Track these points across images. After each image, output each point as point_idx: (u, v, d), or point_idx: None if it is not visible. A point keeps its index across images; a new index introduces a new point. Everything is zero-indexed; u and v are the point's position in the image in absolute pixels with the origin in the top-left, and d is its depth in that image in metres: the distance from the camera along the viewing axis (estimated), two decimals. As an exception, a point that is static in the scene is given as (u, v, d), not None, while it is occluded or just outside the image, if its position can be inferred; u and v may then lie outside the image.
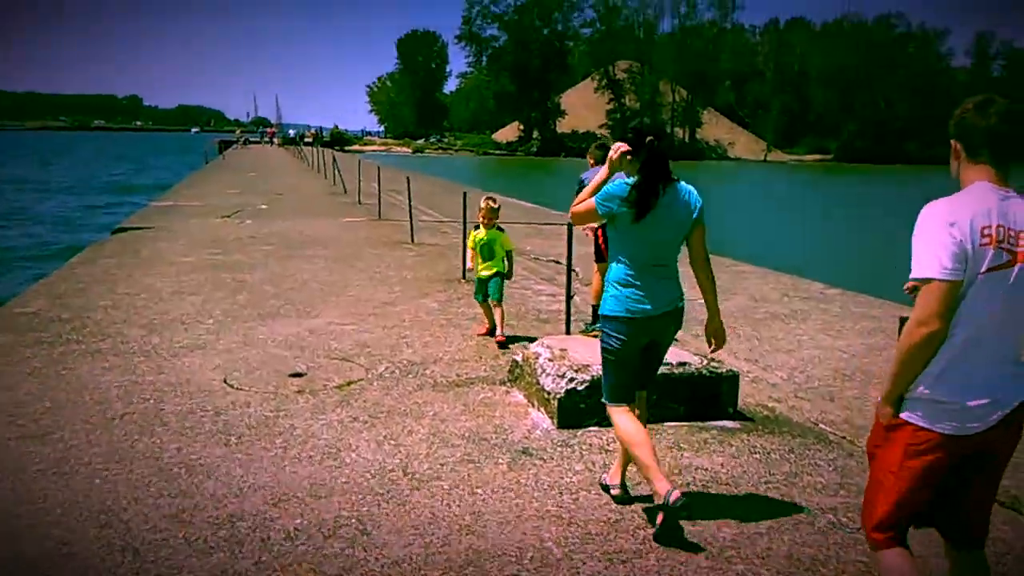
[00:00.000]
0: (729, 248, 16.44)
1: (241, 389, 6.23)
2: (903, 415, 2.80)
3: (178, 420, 5.56)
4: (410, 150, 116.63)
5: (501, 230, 7.97)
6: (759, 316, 9.35)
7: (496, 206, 7.96)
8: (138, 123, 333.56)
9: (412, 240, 14.73)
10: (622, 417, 4.05)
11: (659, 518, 3.84)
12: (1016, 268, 2.67)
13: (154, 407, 5.80)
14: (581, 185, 6.39)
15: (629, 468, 4.36)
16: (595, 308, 7.33)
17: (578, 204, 4.20)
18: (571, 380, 5.45)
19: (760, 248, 21.85)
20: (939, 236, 2.64)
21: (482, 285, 7.91)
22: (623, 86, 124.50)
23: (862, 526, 3.00)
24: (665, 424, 5.53)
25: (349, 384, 6.39)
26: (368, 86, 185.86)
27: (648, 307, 3.96)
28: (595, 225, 6.80)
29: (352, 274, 11.29)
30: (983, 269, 2.64)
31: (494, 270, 7.87)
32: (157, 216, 18.86)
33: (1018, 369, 2.79)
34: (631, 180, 3.94)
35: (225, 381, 6.43)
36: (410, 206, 15.57)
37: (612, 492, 4.39)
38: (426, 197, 22.52)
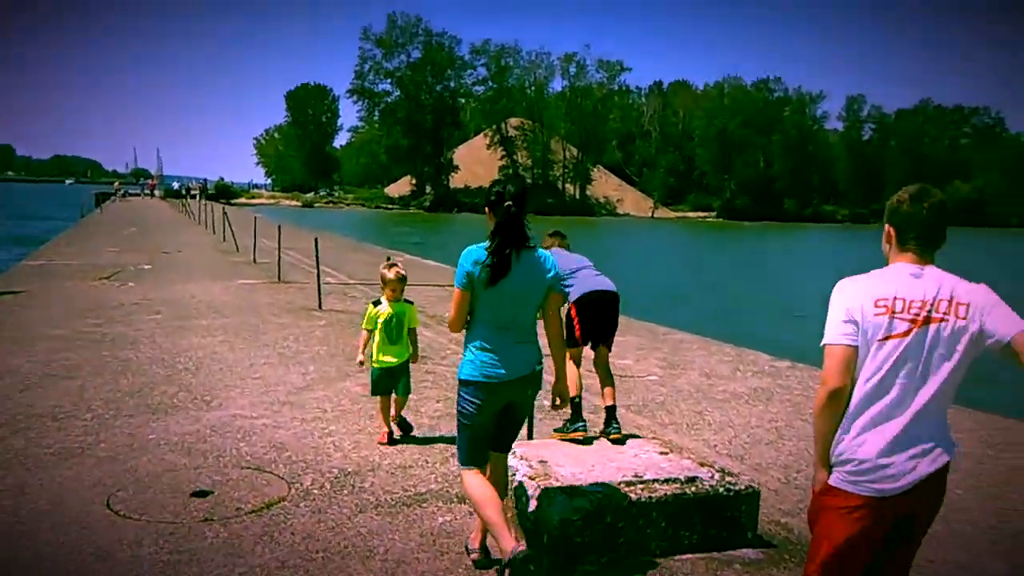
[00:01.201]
0: (648, 312, 15.73)
1: (130, 518, 4.88)
2: (831, 480, 3.03)
3: (41, 572, 4.18)
4: (300, 203, 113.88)
5: (409, 302, 6.66)
6: (720, 396, 8.47)
7: (404, 274, 6.59)
8: (10, 173, 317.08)
9: (320, 306, 13.40)
10: (473, 478, 4.09)
11: (506, 574, 3.76)
12: (912, 334, 2.92)
13: (9, 549, 4.40)
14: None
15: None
16: (575, 402, 5.65)
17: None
18: (562, 506, 4.35)
19: (669, 307, 21.35)
20: (839, 306, 3.00)
21: (388, 376, 6.42)
22: (515, 143, 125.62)
23: None
24: (676, 558, 4.49)
25: (269, 507, 5.11)
26: (255, 138, 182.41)
27: (503, 371, 3.99)
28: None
29: (256, 350, 9.91)
30: (880, 337, 2.93)
31: (405, 356, 6.51)
32: (26, 277, 16.88)
33: (929, 433, 2.95)
34: (484, 245, 4.01)
35: (109, 505, 5.06)
36: (318, 270, 14.23)
37: (472, 556, 4.35)
38: (326, 255, 21.17)
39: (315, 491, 5.39)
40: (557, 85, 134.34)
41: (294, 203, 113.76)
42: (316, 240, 14.60)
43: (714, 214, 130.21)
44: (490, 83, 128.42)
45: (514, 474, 4.73)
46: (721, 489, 4.62)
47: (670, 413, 7.65)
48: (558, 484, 4.51)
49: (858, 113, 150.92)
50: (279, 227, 19.44)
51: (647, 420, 7.36)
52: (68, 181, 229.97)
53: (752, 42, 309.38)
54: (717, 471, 4.81)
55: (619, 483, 4.53)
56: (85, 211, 52.52)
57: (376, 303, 6.61)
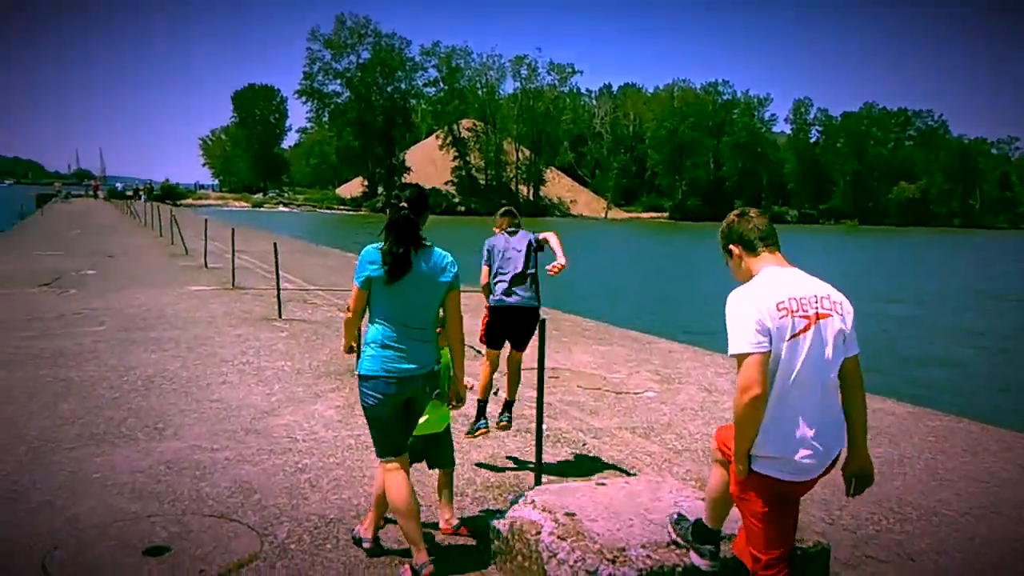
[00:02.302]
0: (619, 317, 15.09)
1: (70, 587, 4.01)
2: (754, 467, 3.25)
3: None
4: (249, 205, 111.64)
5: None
6: (727, 415, 7.76)
7: None
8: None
9: (280, 315, 12.48)
10: (394, 477, 4.20)
11: None
12: (811, 329, 3.18)
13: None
14: (489, 254, 6.07)
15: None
16: (481, 404, 6.16)
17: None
18: None
19: (646, 311, 20.76)
20: (744, 317, 3.17)
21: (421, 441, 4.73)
22: (467, 144, 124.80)
23: (750, 570, 3.39)
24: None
25: (239, 567, 4.27)
26: (201, 139, 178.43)
27: (403, 367, 4.10)
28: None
29: (213, 366, 8.99)
30: (787, 337, 3.15)
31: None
32: (-45, 285, 15.65)
33: (835, 419, 3.27)
34: (380, 245, 4.11)
35: (45, 569, 4.18)
36: (278, 277, 13.29)
37: (364, 545, 4.48)
38: (282, 259, 20.18)
39: (292, 546, 4.55)
40: (509, 87, 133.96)
41: (243, 204, 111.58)
42: (275, 245, 13.65)
43: (666, 215, 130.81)
44: (441, 84, 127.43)
45: (537, 532, 3.95)
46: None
47: (680, 437, 6.94)
48: (595, 546, 3.74)
49: (805, 116, 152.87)
50: (232, 230, 18.38)
51: (657, 446, 6.63)
52: (7, 182, 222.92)
53: (700, 46, 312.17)
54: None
55: (666, 545, 3.78)
56: (25, 213, 50.48)
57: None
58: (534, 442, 6.47)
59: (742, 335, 3.16)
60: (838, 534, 4.93)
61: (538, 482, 5.30)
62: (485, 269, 6.21)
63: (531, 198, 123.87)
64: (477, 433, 6.11)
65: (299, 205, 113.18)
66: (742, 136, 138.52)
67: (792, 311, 3.17)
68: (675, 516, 3.98)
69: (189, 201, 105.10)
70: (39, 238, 30.01)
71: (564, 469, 5.95)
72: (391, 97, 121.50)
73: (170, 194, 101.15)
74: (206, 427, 6.73)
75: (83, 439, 6.34)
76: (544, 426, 6.99)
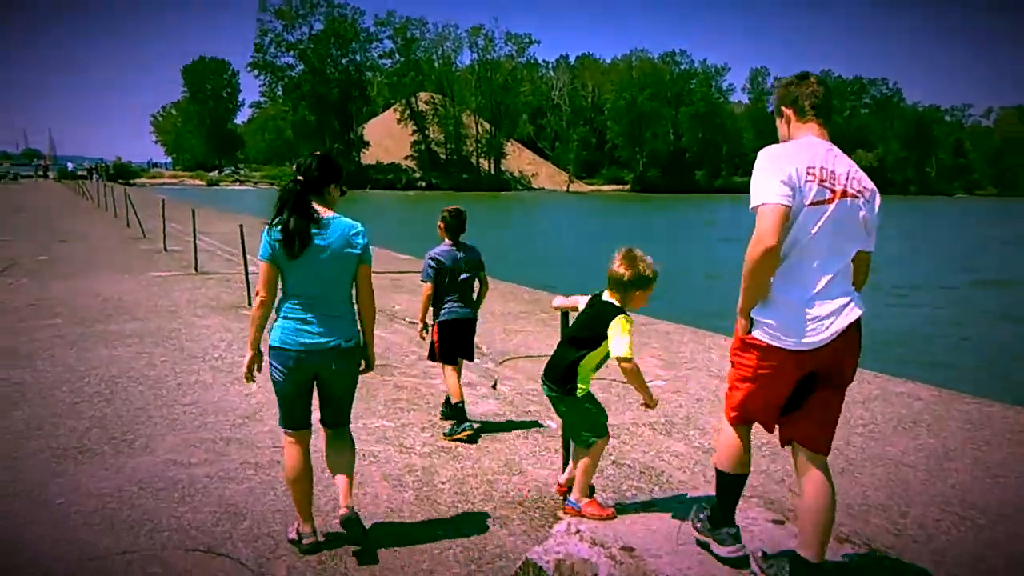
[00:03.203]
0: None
1: (33, 655, 3.33)
2: (754, 333, 3.30)
3: None
4: (204, 183, 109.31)
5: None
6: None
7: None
8: None
9: (249, 303, 11.70)
10: (290, 449, 4.24)
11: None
12: (835, 203, 3.18)
13: None
14: (437, 271, 6.14)
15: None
16: (458, 407, 6.11)
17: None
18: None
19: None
20: (772, 170, 3.17)
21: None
22: (426, 117, 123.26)
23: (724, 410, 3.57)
24: None
25: (237, 618, 3.62)
26: (152, 115, 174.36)
27: (306, 340, 4.04)
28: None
29: (183, 363, 8.25)
30: (808, 202, 3.16)
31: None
32: None
33: (845, 290, 3.27)
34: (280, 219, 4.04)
35: (-1, 629, 3.50)
36: (246, 263, 12.48)
37: (304, 542, 4.22)
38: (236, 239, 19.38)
39: (297, 586, 3.91)
40: (466, 59, 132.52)
41: (198, 182, 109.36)
42: (241, 227, 12.80)
43: (628, 187, 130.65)
44: (397, 56, 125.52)
45: (596, 572, 3.35)
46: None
47: (704, 432, 6.37)
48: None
49: (762, 85, 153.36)
50: (192, 210, 17.45)
51: (683, 445, 6.05)
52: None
53: (657, 15, 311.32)
54: (861, 545, 3.53)
55: (753, 582, 3.21)
56: (-32, 195, 48.59)
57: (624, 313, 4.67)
58: (547, 444, 5.91)
59: (767, 186, 3.15)
60: (909, 549, 4.38)
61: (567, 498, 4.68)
62: (428, 286, 6.15)
63: (492, 172, 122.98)
64: (461, 434, 5.96)
65: (256, 182, 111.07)
66: (700, 106, 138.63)
67: (820, 179, 3.15)
68: (697, 510, 3.77)
69: (143, 180, 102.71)
70: (-15, 222, 28.70)
71: (588, 477, 5.33)
72: (346, 69, 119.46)
73: (123, 173, 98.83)
74: (180, 436, 6.02)
75: (41, 455, 5.61)
76: (553, 424, 6.41)
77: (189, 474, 5.28)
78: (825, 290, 3.19)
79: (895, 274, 25.45)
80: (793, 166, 3.15)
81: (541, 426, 6.38)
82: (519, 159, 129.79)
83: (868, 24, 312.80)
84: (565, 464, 4.88)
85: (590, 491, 4.42)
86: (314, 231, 4.01)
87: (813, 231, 3.14)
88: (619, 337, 4.12)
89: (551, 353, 4.57)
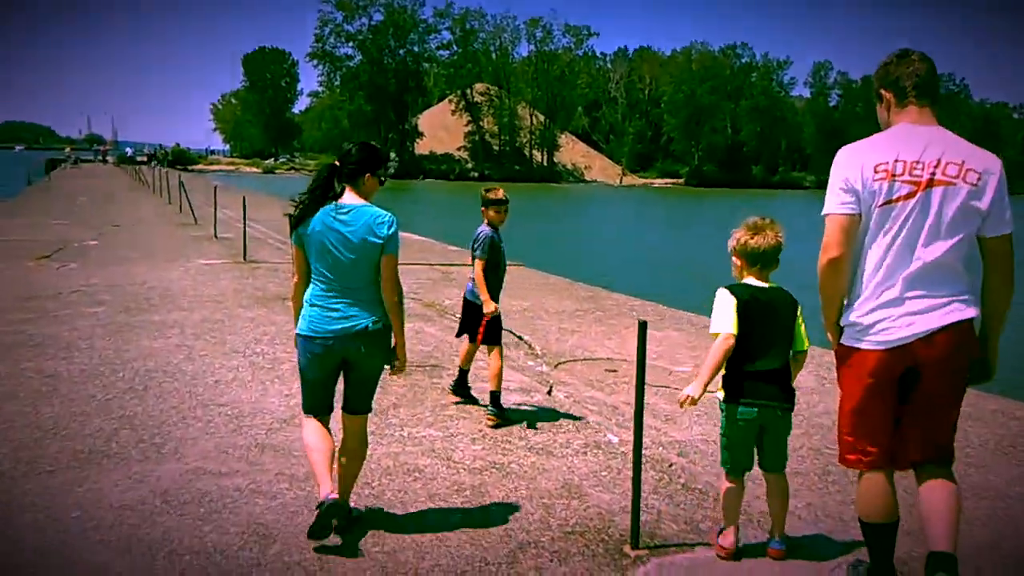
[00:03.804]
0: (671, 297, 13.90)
1: None
2: (843, 341, 3.25)
3: None
4: (260, 170, 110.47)
5: None
6: (803, 412, 6.59)
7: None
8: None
9: (295, 295, 11.31)
10: (310, 424, 4.23)
11: (315, 516, 3.96)
12: (917, 197, 3.00)
13: None
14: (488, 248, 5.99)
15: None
16: (494, 394, 6.17)
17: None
18: None
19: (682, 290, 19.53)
20: (837, 176, 3.13)
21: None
22: (481, 109, 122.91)
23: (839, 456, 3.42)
24: None
25: (257, 668, 3.13)
26: (212, 104, 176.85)
27: (330, 327, 4.03)
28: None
29: (222, 358, 7.85)
30: (880, 202, 3.03)
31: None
32: (-53, 258, 14.54)
33: (951, 289, 3.07)
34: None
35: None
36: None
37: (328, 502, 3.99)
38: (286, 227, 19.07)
39: (327, 629, 3.42)
40: (523, 50, 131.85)
41: (254, 170, 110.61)
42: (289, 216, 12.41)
43: (682, 181, 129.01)
44: (455, 47, 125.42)
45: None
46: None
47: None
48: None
49: (824, 79, 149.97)
50: (244, 197, 17.18)
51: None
52: (18, 147, 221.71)
53: (718, 8, 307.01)
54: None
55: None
56: (32, 179, 49.35)
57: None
58: (609, 463, 5.36)
59: (831, 195, 3.12)
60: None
61: (636, 534, 4.13)
62: (481, 263, 5.97)
63: (545, 164, 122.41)
64: (491, 419, 6.05)
65: (311, 170, 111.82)
66: (761, 100, 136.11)
67: (894, 174, 3.00)
68: (853, 572, 3.62)
69: (200, 166, 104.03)
70: (43, 205, 28.92)
71: (657, 504, 4.76)
72: (404, 60, 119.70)
73: (180, 159, 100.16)
74: (213, 441, 5.59)
75: (64, 457, 5.22)
76: (615, 438, 5.86)
77: (219, 486, 4.83)
78: (913, 287, 3.05)
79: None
80: (858, 168, 3.05)
81: (603, 441, 5.83)
82: (572, 151, 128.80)
83: (935, 18, 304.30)
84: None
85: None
86: (339, 218, 4.01)
87: (889, 230, 3.03)
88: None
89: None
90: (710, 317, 3.91)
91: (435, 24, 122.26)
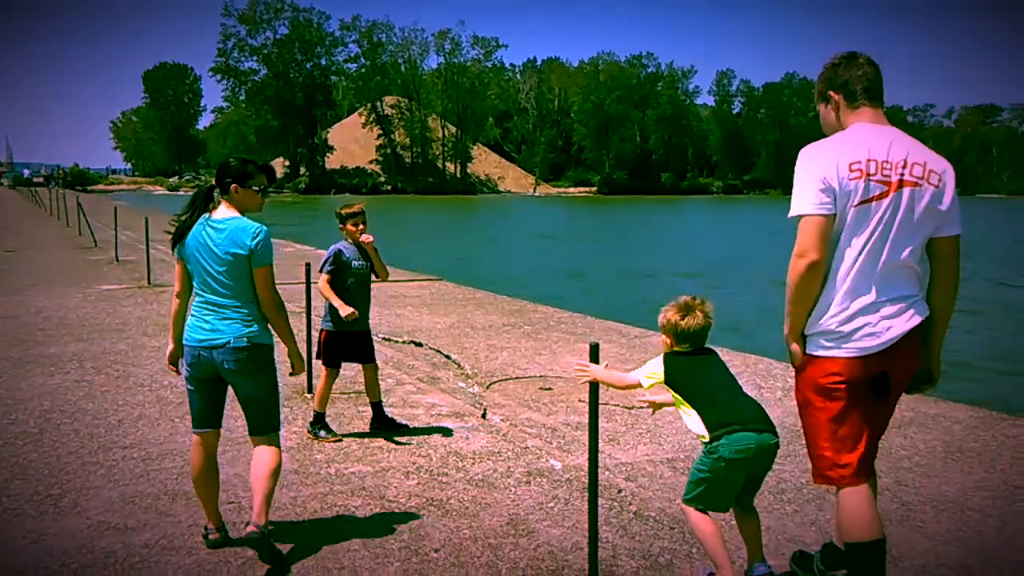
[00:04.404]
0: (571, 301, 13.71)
1: None
2: (809, 351, 3.06)
3: None
4: (165, 189, 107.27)
5: None
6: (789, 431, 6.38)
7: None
8: None
9: (206, 320, 10.67)
10: (195, 450, 4.26)
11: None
12: (890, 197, 2.93)
13: None
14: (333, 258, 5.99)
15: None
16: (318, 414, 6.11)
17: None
18: None
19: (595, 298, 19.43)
20: (810, 175, 2.96)
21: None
22: (392, 121, 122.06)
23: (813, 474, 3.18)
24: None
25: None
26: (112, 121, 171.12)
27: (201, 336, 4.05)
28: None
29: (127, 394, 7.25)
30: (856, 202, 2.92)
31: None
32: None
33: (901, 294, 3.01)
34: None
35: None
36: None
37: (210, 537, 4.23)
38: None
39: None
40: (432, 62, 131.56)
41: (159, 189, 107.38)
42: (170, 232, 11.76)
43: (594, 189, 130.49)
44: (363, 60, 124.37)
45: None
46: None
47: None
48: None
49: (728, 87, 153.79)
50: (146, 218, 16.31)
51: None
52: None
53: (624, 18, 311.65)
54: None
55: None
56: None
57: None
58: (556, 492, 5.02)
59: (804, 194, 2.96)
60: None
61: (594, 571, 3.79)
62: (325, 277, 5.94)
63: (458, 175, 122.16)
64: (329, 439, 5.97)
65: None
66: (667, 109, 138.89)
67: (867, 174, 2.92)
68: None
69: (101, 187, 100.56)
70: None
71: (610, 536, 4.44)
72: (311, 74, 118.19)
73: (80, 179, 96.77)
74: (118, 491, 5.04)
75: (-56, 519, 4.61)
76: (559, 463, 5.54)
77: (125, 543, 4.31)
78: (883, 290, 2.98)
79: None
80: (832, 166, 2.92)
81: (545, 467, 5.49)
82: (485, 162, 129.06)
83: (829, 23, 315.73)
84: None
85: None
86: (208, 231, 4.01)
87: (863, 232, 2.93)
88: None
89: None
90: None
91: (342, 37, 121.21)
